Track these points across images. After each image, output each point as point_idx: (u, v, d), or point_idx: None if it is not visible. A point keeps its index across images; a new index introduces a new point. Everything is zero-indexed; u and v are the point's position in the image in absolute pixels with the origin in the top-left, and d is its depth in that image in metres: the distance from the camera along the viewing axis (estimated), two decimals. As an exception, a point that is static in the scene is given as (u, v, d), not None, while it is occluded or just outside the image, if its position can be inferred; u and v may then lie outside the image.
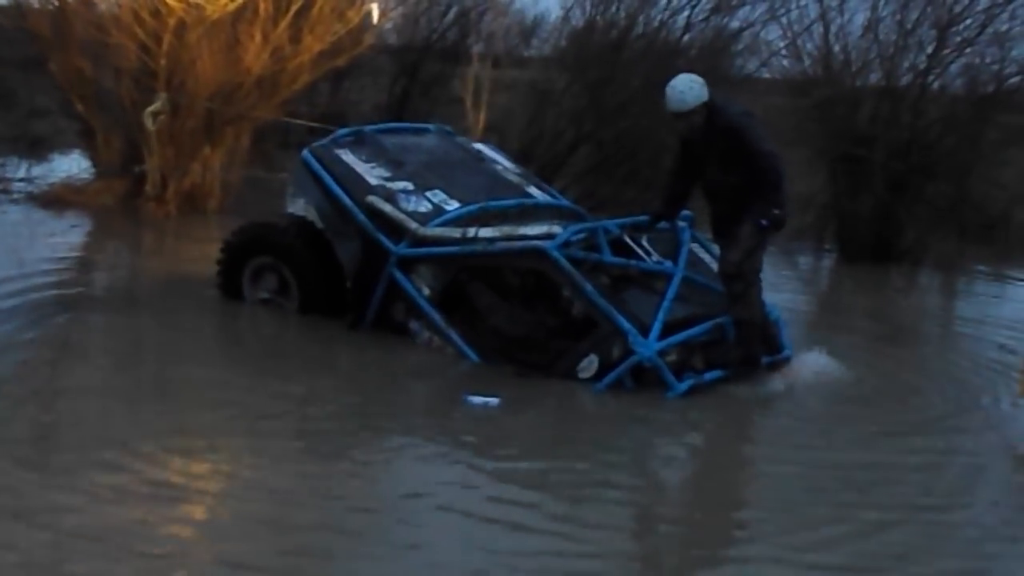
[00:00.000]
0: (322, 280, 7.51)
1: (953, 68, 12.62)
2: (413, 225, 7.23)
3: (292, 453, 5.35)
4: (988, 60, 12.57)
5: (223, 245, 7.95)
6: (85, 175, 12.43)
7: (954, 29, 12.30)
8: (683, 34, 13.19)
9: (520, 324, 6.82)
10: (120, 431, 5.35)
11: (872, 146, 12.10)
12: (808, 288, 11.52)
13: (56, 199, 11.51)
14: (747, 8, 13.23)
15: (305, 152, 7.84)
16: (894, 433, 6.29)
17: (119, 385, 6.21)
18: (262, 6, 11.17)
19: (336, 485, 5.00)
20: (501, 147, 9.72)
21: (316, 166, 7.65)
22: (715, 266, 7.08)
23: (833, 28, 12.57)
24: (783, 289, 9.26)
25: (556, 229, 7.01)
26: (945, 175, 12.45)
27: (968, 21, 12.30)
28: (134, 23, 11.11)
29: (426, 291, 7.15)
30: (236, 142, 11.95)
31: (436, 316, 7.07)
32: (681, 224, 7.29)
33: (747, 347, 6.77)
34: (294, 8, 11.32)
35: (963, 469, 5.91)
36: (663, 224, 7.27)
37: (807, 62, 12.96)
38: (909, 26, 12.33)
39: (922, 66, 12.42)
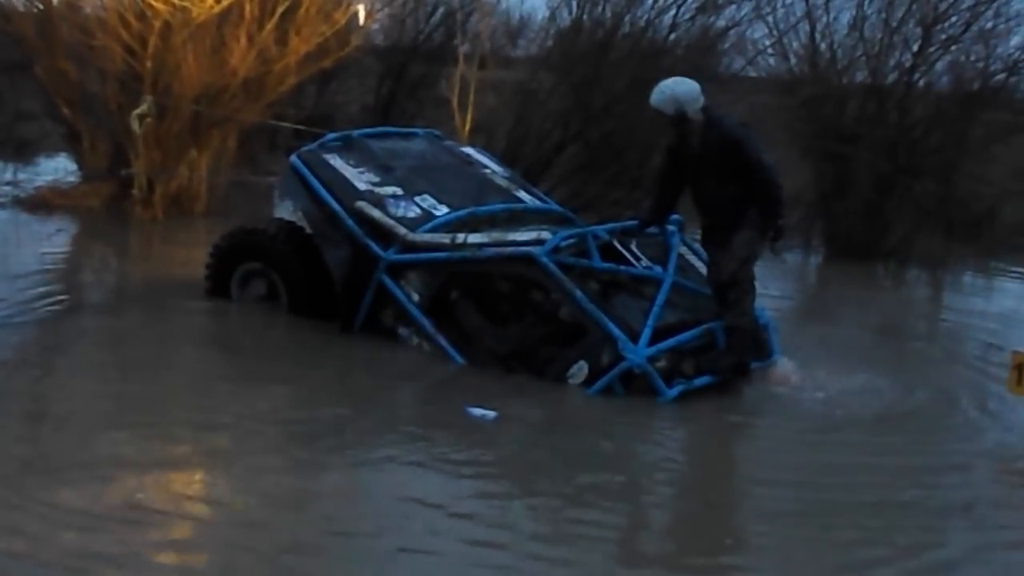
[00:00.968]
0: (311, 286, 7.51)
1: (939, 66, 12.74)
2: (402, 231, 7.22)
3: (275, 461, 5.31)
4: (973, 58, 12.69)
5: (212, 250, 7.94)
6: (71, 178, 12.40)
7: (939, 27, 12.38)
8: (669, 33, 13.18)
9: (509, 340, 6.82)
10: (106, 438, 5.33)
11: (858, 144, 12.15)
12: (795, 287, 11.53)
13: (42, 203, 11.49)
14: (733, 7, 13.25)
15: (293, 157, 7.83)
16: (883, 434, 6.31)
17: (104, 391, 6.19)
18: (248, 8, 11.17)
19: (323, 494, 4.98)
20: (488, 148, 9.74)
21: (304, 171, 7.64)
22: (704, 271, 7.09)
23: (819, 26, 12.69)
24: (770, 288, 9.26)
25: (545, 234, 7.00)
26: (931, 172, 12.52)
27: (953, 19, 12.42)
28: (119, 26, 11.10)
29: (415, 297, 7.15)
30: (223, 145, 11.95)
31: (425, 322, 7.06)
32: (670, 229, 7.29)
33: (738, 354, 6.77)
34: (280, 10, 11.33)
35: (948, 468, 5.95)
36: (652, 229, 7.27)
37: (793, 60, 13.05)
38: (895, 24, 12.42)
39: (908, 64, 12.49)
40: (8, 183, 12.53)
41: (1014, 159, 13.23)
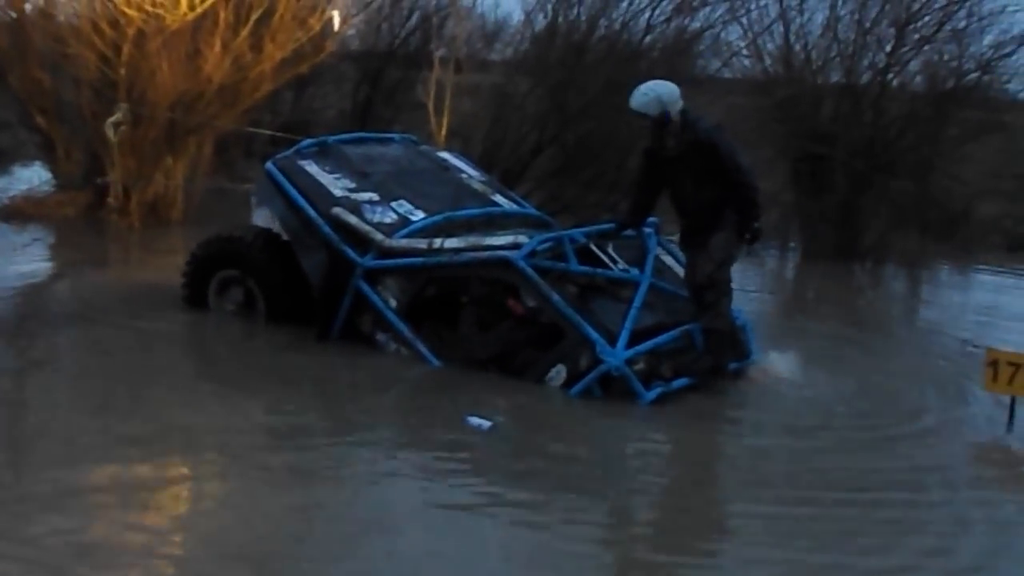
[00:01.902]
0: (288, 293, 7.49)
1: (912, 65, 12.82)
2: (379, 237, 7.22)
3: (252, 471, 5.29)
4: (946, 57, 12.75)
5: (189, 258, 7.91)
6: (47, 187, 12.30)
7: (912, 27, 12.46)
8: (644, 36, 13.21)
9: (488, 345, 6.82)
10: (81, 450, 5.30)
11: (834, 144, 12.21)
12: (772, 287, 11.58)
13: (17, 212, 11.43)
14: (708, 9, 13.29)
15: (269, 164, 7.81)
16: (864, 432, 6.35)
17: (81, 403, 6.14)
18: (222, 15, 11.11)
19: (300, 504, 4.95)
20: (465, 152, 9.75)
21: (280, 178, 7.63)
22: (682, 272, 7.10)
23: (793, 27, 12.76)
24: (747, 289, 9.30)
25: (522, 238, 7.02)
26: (906, 172, 12.58)
27: (926, 18, 12.50)
28: (93, 34, 11.04)
29: (393, 303, 7.14)
30: (199, 152, 11.89)
31: (403, 328, 7.06)
32: (647, 231, 7.30)
33: (716, 356, 6.79)
34: (254, 16, 11.28)
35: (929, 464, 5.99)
36: (629, 232, 7.28)
37: (768, 61, 13.10)
38: (868, 24, 12.50)
39: (881, 64, 12.56)
40: (-18, 193, 12.44)
41: (988, 157, 13.32)
